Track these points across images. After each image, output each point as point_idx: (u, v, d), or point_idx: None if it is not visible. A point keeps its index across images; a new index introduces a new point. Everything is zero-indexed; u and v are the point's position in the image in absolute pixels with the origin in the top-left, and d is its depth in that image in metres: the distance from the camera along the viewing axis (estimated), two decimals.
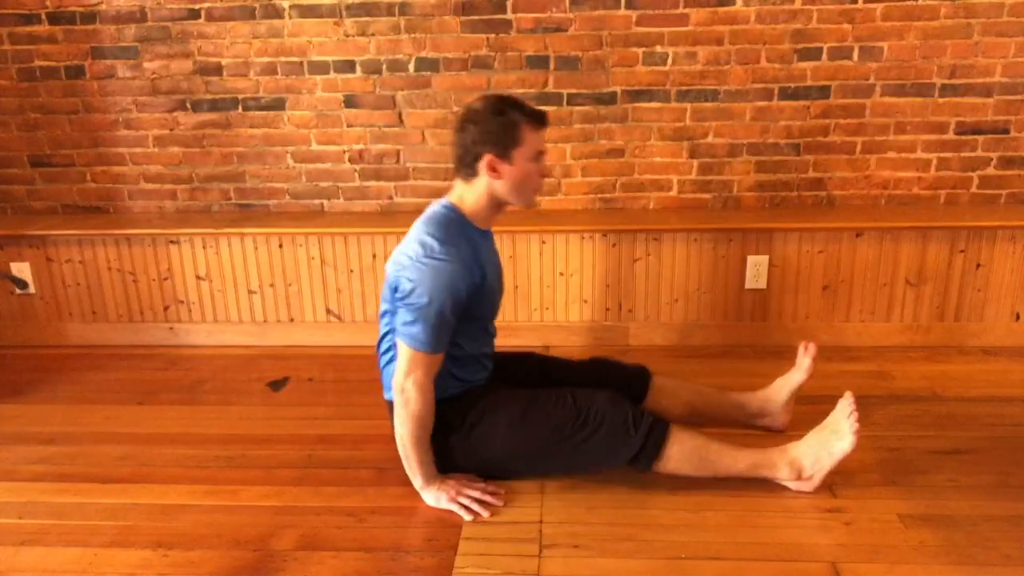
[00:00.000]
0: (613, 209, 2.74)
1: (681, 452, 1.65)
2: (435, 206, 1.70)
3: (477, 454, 1.72)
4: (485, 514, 1.64)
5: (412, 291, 1.58)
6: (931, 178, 2.64)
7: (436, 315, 1.58)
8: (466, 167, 1.66)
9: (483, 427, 1.70)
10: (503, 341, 2.57)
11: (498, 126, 1.61)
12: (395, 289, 1.64)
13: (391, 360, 1.72)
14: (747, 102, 2.59)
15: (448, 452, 1.72)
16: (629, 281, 2.56)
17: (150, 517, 1.68)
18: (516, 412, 1.70)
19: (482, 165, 1.63)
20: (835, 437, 1.63)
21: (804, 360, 1.91)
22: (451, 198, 1.71)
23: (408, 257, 1.61)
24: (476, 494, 1.67)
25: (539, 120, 1.65)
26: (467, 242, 1.64)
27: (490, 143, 1.61)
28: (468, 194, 1.68)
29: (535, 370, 1.94)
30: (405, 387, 1.62)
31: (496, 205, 1.71)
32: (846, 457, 1.62)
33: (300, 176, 2.78)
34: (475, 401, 1.73)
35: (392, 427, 1.70)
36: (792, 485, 1.68)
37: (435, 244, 1.60)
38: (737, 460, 1.68)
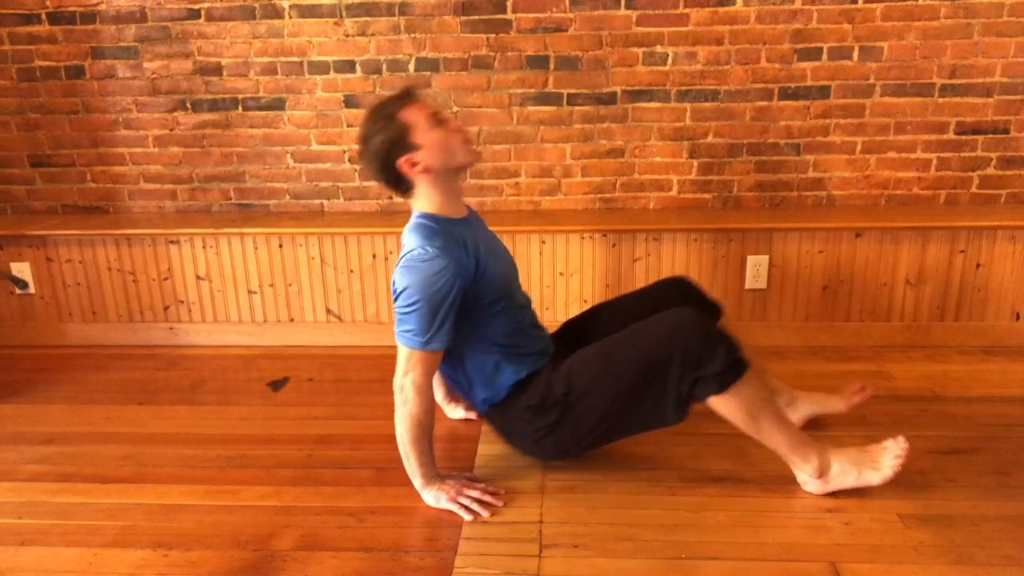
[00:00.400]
0: (613, 209, 2.74)
1: (748, 394, 1.58)
2: (411, 220, 1.70)
3: (579, 428, 1.67)
4: (485, 514, 1.63)
5: (402, 291, 1.60)
6: (931, 178, 2.64)
7: (427, 311, 1.57)
8: (400, 186, 1.67)
9: (570, 398, 1.65)
10: None
11: (380, 133, 1.61)
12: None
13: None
14: (747, 102, 2.59)
15: (552, 441, 1.69)
16: (629, 281, 2.56)
17: (150, 517, 1.68)
18: (596, 368, 1.64)
19: (404, 172, 1.63)
20: (872, 467, 1.62)
21: (852, 398, 1.91)
22: (416, 208, 1.71)
23: (400, 262, 1.63)
24: (476, 494, 1.67)
25: (405, 97, 1.64)
26: (450, 236, 1.63)
27: (390, 150, 1.61)
28: (421, 199, 1.68)
29: (608, 320, 1.85)
30: (404, 386, 1.62)
31: (448, 184, 1.68)
32: (866, 487, 1.62)
33: (300, 176, 2.79)
34: (548, 381, 1.69)
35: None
36: (804, 480, 1.66)
37: (419, 245, 1.60)
38: (781, 430, 1.62)
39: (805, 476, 1.66)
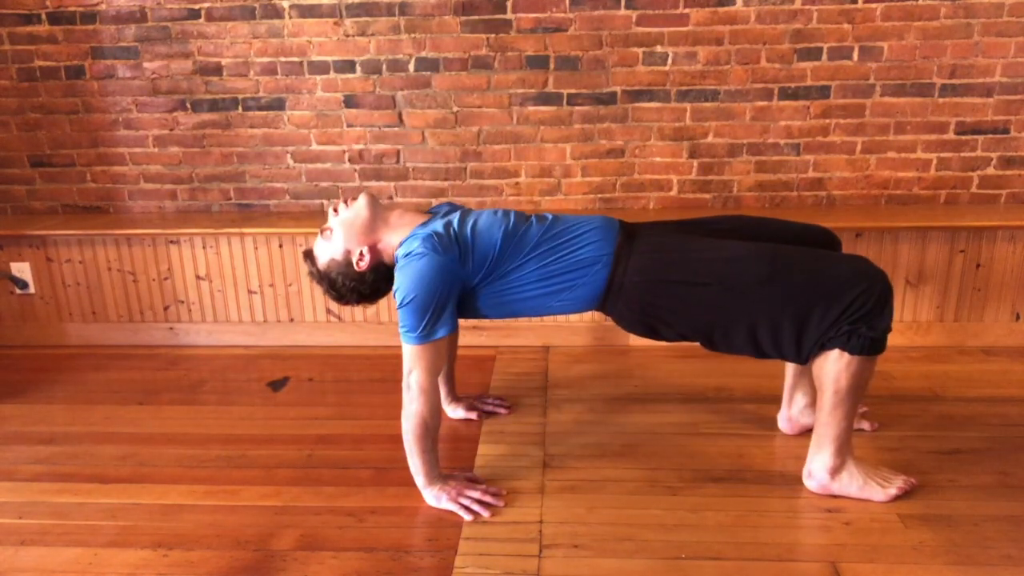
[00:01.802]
0: (613, 209, 2.74)
1: (865, 372, 1.54)
2: (403, 248, 1.71)
3: (714, 318, 1.60)
4: (486, 515, 1.63)
5: (398, 291, 1.63)
6: (931, 178, 2.64)
7: (417, 306, 1.59)
8: (387, 277, 1.75)
9: (721, 288, 1.57)
10: (503, 341, 2.58)
11: (337, 281, 1.76)
12: None
13: None
14: (747, 102, 2.59)
15: (662, 316, 1.63)
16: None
17: (150, 517, 1.68)
18: (765, 268, 1.55)
19: (368, 267, 1.74)
20: (880, 483, 1.64)
21: (861, 422, 1.92)
22: (399, 253, 1.72)
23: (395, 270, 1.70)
24: (477, 495, 1.67)
25: (307, 254, 1.81)
26: (428, 232, 1.66)
27: (350, 278, 1.76)
28: (392, 246, 1.74)
29: (759, 231, 1.75)
30: (410, 384, 1.64)
31: (381, 225, 1.75)
32: (865, 500, 1.63)
33: (300, 176, 2.79)
34: (692, 258, 1.60)
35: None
36: (815, 472, 1.65)
37: (407, 251, 1.66)
38: (847, 420, 1.58)
39: (819, 467, 1.64)
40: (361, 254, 1.73)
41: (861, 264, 1.57)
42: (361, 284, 1.76)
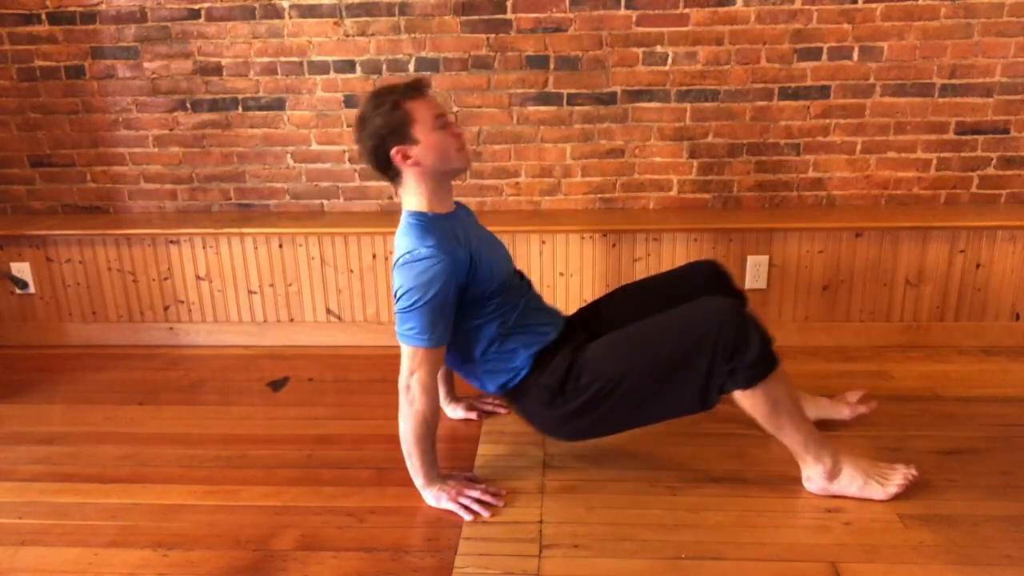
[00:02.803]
0: (613, 209, 2.74)
1: (776, 390, 1.57)
2: (402, 221, 1.70)
3: (607, 414, 1.65)
4: (486, 514, 1.63)
5: (401, 291, 1.60)
6: (931, 178, 2.64)
7: (427, 308, 1.58)
8: (387, 171, 1.67)
9: (602, 381, 1.62)
10: None
11: (383, 119, 1.60)
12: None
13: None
14: (747, 102, 2.59)
15: (573, 424, 1.68)
16: (629, 281, 2.56)
17: (150, 517, 1.68)
18: (629, 352, 1.63)
19: (396, 161, 1.63)
20: (879, 481, 1.63)
21: (858, 408, 1.93)
22: (405, 206, 1.71)
23: (395, 265, 1.64)
24: (477, 494, 1.67)
25: (416, 90, 1.63)
26: (441, 231, 1.64)
27: (387, 137, 1.61)
28: (409, 193, 1.69)
29: (634, 304, 1.85)
30: (410, 385, 1.62)
31: (438, 182, 1.68)
32: (866, 500, 1.63)
33: (300, 176, 2.79)
34: (573, 361, 1.67)
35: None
36: (811, 479, 1.65)
37: (413, 245, 1.61)
38: (800, 429, 1.62)
39: (813, 474, 1.65)
40: (406, 156, 1.62)
41: (709, 308, 1.59)
42: (376, 143, 1.62)
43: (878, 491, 1.63)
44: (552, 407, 1.69)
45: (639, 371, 1.61)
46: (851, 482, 1.63)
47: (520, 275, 1.88)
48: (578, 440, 1.83)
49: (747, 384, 1.55)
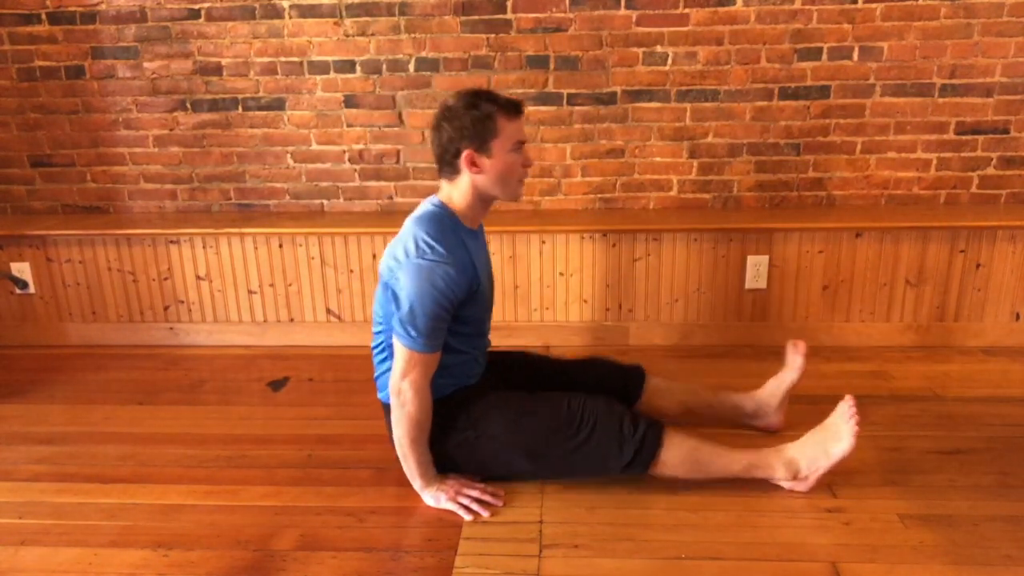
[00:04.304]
0: (613, 209, 2.74)
1: (677, 456, 1.65)
2: (426, 204, 1.69)
3: (475, 457, 1.72)
4: (485, 514, 1.63)
5: (407, 291, 1.57)
6: (931, 178, 2.64)
7: (432, 314, 1.57)
8: (447, 165, 1.65)
9: (478, 430, 1.69)
10: (503, 341, 2.58)
11: (472, 120, 1.59)
12: (388, 289, 1.63)
13: (385, 360, 1.72)
14: (747, 102, 2.59)
15: (446, 454, 1.72)
16: (629, 281, 2.56)
17: (150, 517, 1.68)
18: (511, 415, 1.70)
19: (462, 161, 1.61)
20: (833, 439, 1.63)
21: (795, 359, 1.92)
22: (440, 196, 1.70)
23: (402, 256, 1.60)
24: (476, 494, 1.67)
25: (514, 109, 1.63)
26: (460, 243, 1.64)
27: (467, 138, 1.60)
28: (455, 192, 1.67)
29: (530, 370, 1.94)
30: (402, 388, 1.61)
31: (483, 201, 1.69)
32: (844, 459, 1.62)
33: (300, 176, 2.79)
34: (470, 403, 1.72)
35: (387, 428, 1.71)
36: (787, 485, 1.68)
37: (429, 243, 1.58)
38: (732, 462, 1.68)
39: (783, 482, 1.68)
40: (476, 164, 1.61)
41: (592, 408, 1.67)
42: (453, 134, 1.60)
43: (840, 447, 1.61)
44: (450, 435, 1.71)
45: (515, 438, 1.69)
46: (814, 462, 1.64)
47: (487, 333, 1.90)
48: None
49: (646, 468, 1.65)
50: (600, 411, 1.66)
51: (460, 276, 1.59)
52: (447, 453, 1.71)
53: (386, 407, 1.71)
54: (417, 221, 1.64)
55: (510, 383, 1.84)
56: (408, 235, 1.62)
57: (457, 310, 1.64)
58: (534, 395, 1.74)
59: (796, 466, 1.66)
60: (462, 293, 1.61)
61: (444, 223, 1.64)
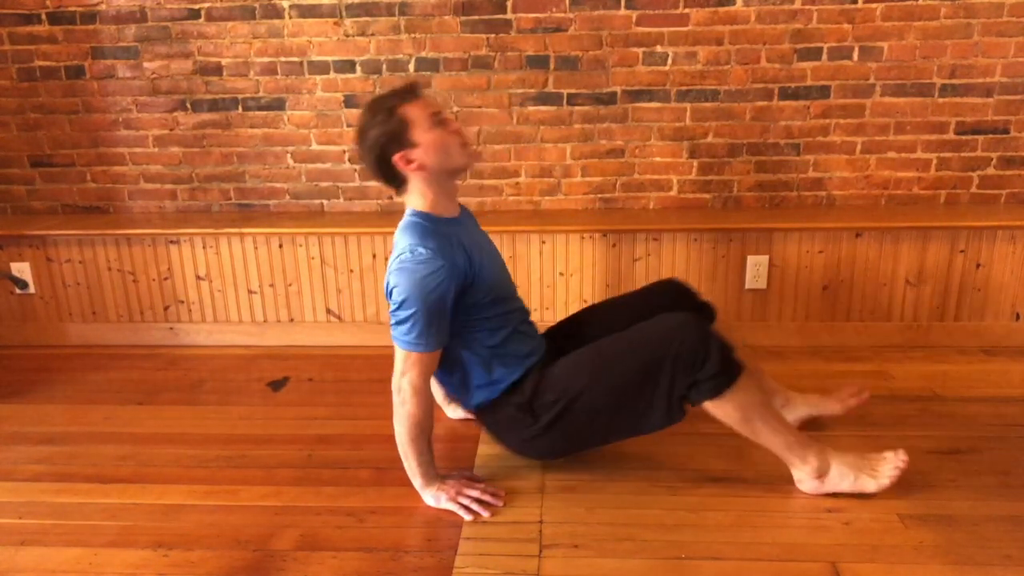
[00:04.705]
0: (613, 209, 2.74)
1: (745, 398, 1.59)
2: (404, 218, 1.70)
3: (576, 426, 1.67)
4: (485, 514, 1.63)
5: (398, 293, 1.58)
6: (931, 178, 2.64)
7: (423, 314, 1.57)
8: (391, 180, 1.67)
9: (568, 395, 1.64)
10: None
11: (380, 127, 1.60)
12: (390, 297, 1.64)
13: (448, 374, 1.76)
14: (747, 102, 2.59)
15: (550, 438, 1.69)
16: (629, 281, 2.56)
17: (150, 517, 1.68)
18: (595, 360, 1.65)
19: (398, 167, 1.62)
20: (869, 474, 1.63)
21: (848, 400, 1.92)
22: (409, 206, 1.70)
23: (394, 265, 1.62)
24: (476, 494, 1.67)
25: (410, 92, 1.63)
26: (444, 237, 1.63)
27: (386, 144, 1.60)
28: (415, 197, 1.68)
29: (599, 323, 1.86)
30: (401, 387, 1.62)
31: (442, 184, 1.68)
32: (861, 494, 1.63)
33: (300, 176, 2.79)
34: (545, 379, 1.68)
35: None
36: (803, 480, 1.66)
37: (413, 246, 1.60)
38: (779, 432, 1.63)
39: (802, 475, 1.66)
40: (411, 161, 1.61)
41: (668, 323, 1.61)
42: (378, 153, 1.62)
43: (871, 484, 1.62)
44: (520, 426, 1.70)
45: (602, 388, 1.63)
46: (841, 479, 1.63)
47: (520, 301, 1.87)
48: (547, 459, 1.83)
49: (713, 395, 1.57)
50: (680, 322, 1.60)
51: (450, 269, 1.58)
52: (550, 437, 1.69)
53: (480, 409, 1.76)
54: (401, 232, 1.67)
55: (577, 345, 1.76)
56: (397, 245, 1.65)
57: (464, 298, 1.63)
58: (604, 341, 1.69)
59: (826, 472, 1.64)
60: (456, 284, 1.60)
61: (423, 227, 1.64)
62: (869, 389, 1.95)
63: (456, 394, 1.81)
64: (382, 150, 1.61)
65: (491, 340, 1.70)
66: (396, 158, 1.61)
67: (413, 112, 1.60)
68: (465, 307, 1.65)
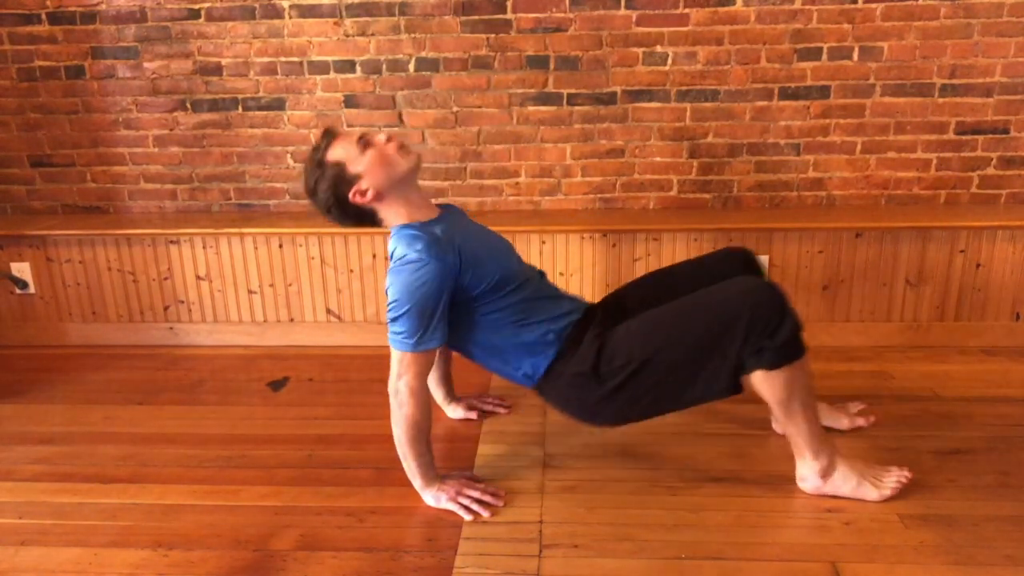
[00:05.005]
0: (613, 209, 2.74)
1: (797, 377, 1.56)
2: (392, 235, 1.72)
3: (645, 388, 1.62)
4: (485, 514, 1.63)
5: (391, 295, 1.62)
6: (931, 178, 2.64)
7: (415, 313, 1.58)
8: (363, 219, 1.72)
9: (637, 357, 1.59)
10: None
11: (320, 181, 1.67)
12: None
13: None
14: (747, 102, 2.59)
15: (615, 404, 1.65)
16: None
17: (150, 517, 1.68)
18: (662, 332, 1.61)
19: (360, 204, 1.67)
20: (872, 483, 1.63)
21: (856, 420, 1.93)
22: (392, 226, 1.72)
23: (390, 268, 1.66)
24: (476, 494, 1.67)
25: (326, 138, 1.69)
26: (431, 235, 1.65)
27: (335, 192, 1.67)
28: (391, 217, 1.71)
29: (664, 287, 1.81)
30: (398, 389, 1.63)
31: (405, 193, 1.70)
32: (860, 500, 1.63)
33: (300, 176, 2.78)
34: (606, 346, 1.64)
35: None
36: (806, 477, 1.65)
37: (405, 250, 1.63)
38: (810, 422, 1.60)
39: (808, 471, 1.65)
40: (366, 191, 1.65)
41: (742, 289, 1.57)
42: (336, 204, 1.69)
43: (872, 492, 1.63)
44: (586, 391, 1.66)
45: (673, 349, 1.58)
46: (844, 482, 1.63)
47: (532, 268, 1.85)
48: (614, 425, 1.80)
49: (772, 365, 1.52)
50: (759, 285, 1.57)
51: (439, 267, 1.59)
52: (617, 402, 1.64)
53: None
54: (394, 244, 1.71)
55: (640, 309, 1.72)
56: (391, 256, 1.70)
57: (467, 287, 1.64)
58: (674, 304, 1.65)
59: (831, 473, 1.63)
60: (450, 279, 1.61)
61: (410, 235, 1.66)
62: (873, 414, 1.97)
63: (506, 374, 1.77)
64: (336, 199, 1.68)
65: (517, 315, 1.69)
66: (351, 199, 1.66)
67: (338, 152, 1.66)
68: (478, 292, 1.66)
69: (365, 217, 1.71)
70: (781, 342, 1.51)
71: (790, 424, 1.61)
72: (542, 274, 1.86)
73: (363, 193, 1.65)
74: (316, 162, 1.68)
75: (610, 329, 1.69)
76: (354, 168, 1.65)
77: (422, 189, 1.75)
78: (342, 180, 1.66)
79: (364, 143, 1.66)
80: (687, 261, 1.94)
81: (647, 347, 1.60)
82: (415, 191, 1.74)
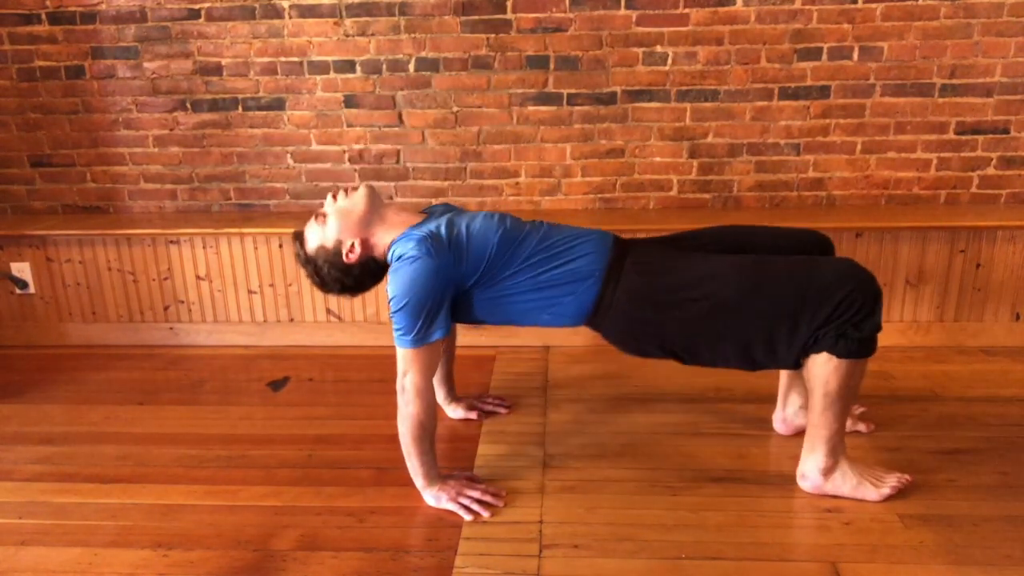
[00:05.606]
0: (613, 209, 2.74)
1: (856, 374, 1.54)
2: (398, 249, 1.72)
3: (701, 329, 1.60)
4: (486, 514, 1.63)
5: (390, 292, 1.63)
6: (931, 178, 2.64)
7: (411, 310, 1.59)
8: (371, 272, 1.79)
9: (706, 291, 1.57)
10: (504, 340, 2.58)
11: (322, 267, 1.76)
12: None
13: None
14: (747, 102, 2.59)
15: (675, 334, 1.62)
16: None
17: (150, 517, 1.68)
18: (751, 278, 1.56)
19: (357, 260, 1.74)
20: (872, 484, 1.63)
21: (858, 424, 1.93)
22: (391, 249, 1.73)
23: (389, 271, 1.69)
24: (477, 494, 1.67)
25: (298, 236, 1.80)
26: (421, 233, 1.66)
27: (336, 267, 1.75)
28: (385, 241, 1.74)
29: (741, 236, 1.77)
30: (404, 387, 1.64)
31: (380, 218, 1.75)
32: (860, 500, 1.63)
33: (300, 176, 2.79)
34: (679, 270, 1.61)
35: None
36: (809, 473, 1.65)
37: (401, 252, 1.65)
38: (839, 420, 1.58)
39: (812, 468, 1.64)
40: (352, 246, 1.73)
41: (847, 266, 1.56)
42: (346, 276, 1.77)
43: (871, 492, 1.63)
44: (646, 316, 1.63)
45: (757, 301, 1.55)
46: (844, 481, 1.63)
47: (534, 221, 1.79)
48: (651, 351, 1.72)
49: (846, 353, 1.50)
50: (862, 269, 1.53)
51: (432, 262, 1.60)
52: (678, 330, 1.62)
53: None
54: (392, 250, 1.72)
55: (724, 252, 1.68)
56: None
57: (472, 268, 1.65)
58: (769, 257, 1.61)
59: (834, 471, 1.63)
60: (444, 272, 1.62)
61: (402, 240, 1.69)
62: (876, 415, 1.98)
63: (567, 323, 1.73)
64: (344, 273, 1.76)
65: (536, 268, 1.67)
66: (348, 262, 1.74)
67: (310, 240, 1.77)
68: (483, 269, 1.66)
69: (368, 267, 1.77)
70: (863, 336, 1.50)
71: (822, 417, 1.59)
72: (550, 227, 1.78)
73: (352, 250, 1.73)
74: (305, 261, 1.79)
75: (670, 257, 1.66)
76: (330, 240, 1.74)
77: (399, 204, 1.79)
78: (332, 255, 1.75)
79: (320, 216, 1.76)
80: (765, 227, 1.85)
81: (726, 288, 1.57)
82: (389, 210, 1.78)
